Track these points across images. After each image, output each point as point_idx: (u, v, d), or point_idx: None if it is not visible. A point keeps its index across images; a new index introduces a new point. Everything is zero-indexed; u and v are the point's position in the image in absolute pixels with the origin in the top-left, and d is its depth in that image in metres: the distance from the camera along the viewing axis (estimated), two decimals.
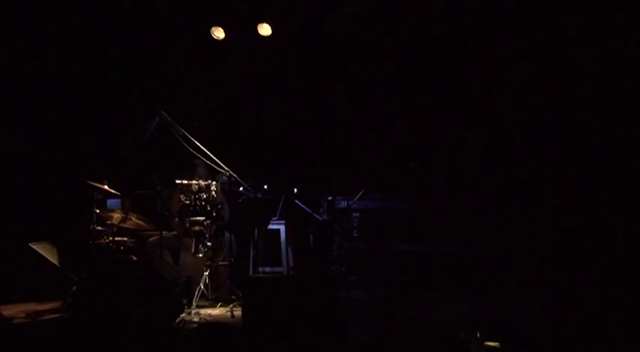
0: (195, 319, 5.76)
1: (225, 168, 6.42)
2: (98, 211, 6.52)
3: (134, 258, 6.50)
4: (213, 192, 6.36)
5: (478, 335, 4.70)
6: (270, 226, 7.48)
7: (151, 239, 6.76)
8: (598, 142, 6.79)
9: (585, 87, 6.96)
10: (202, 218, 6.33)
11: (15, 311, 6.06)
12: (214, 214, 6.34)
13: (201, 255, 6.33)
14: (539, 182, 7.01)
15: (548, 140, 7.14)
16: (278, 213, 7.70)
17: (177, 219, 6.87)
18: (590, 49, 6.88)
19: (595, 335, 5.12)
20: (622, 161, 6.61)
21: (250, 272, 6.96)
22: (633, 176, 6.52)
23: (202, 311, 6.07)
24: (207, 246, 6.32)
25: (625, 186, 6.54)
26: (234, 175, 6.46)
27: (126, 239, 6.74)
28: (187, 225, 6.46)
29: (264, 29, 7.96)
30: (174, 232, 6.89)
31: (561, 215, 6.70)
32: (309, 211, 7.62)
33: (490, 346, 4.62)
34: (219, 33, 7.99)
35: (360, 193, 6.97)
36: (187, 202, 6.36)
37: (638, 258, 6.21)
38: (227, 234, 6.70)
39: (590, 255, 6.46)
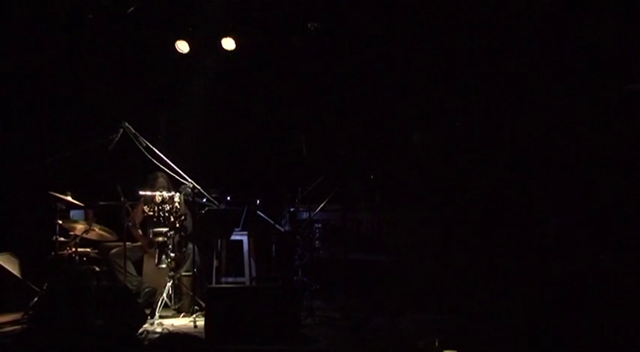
0: (158, 329, 5.79)
1: (189, 180, 6.49)
2: (61, 222, 6.48)
3: (97, 269, 6.51)
4: (177, 204, 6.40)
5: (437, 343, 4.79)
6: (233, 237, 7.53)
7: (113, 250, 6.78)
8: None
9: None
10: (166, 229, 6.36)
11: None
12: (177, 225, 6.38)
13: (164, 266, 6.36)
14: (495, 195, 7.21)
15: (503, 157, 7.35)
16: (241, 224, 7.77)
17: (140, 230, 6.91)
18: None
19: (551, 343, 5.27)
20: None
21: (213, 283, 7.01)
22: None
23: (165, 321, 6.09)
24: (171, 256, 6.36)
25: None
26: (198, 186, 6.53)
27: (89, 250, 6.71)
28: (150, 235, 6.49)
29: (228, 43, 8.06)
30: (138, 243, 6.92)
31: (514, 226, 6.89)
32: (272, 222, 7.71)
33: None
34: (183, 46, 8.07)
35: (322, 204, 7.08)
36: (151, 213, 6.39)
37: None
38: (190, 244, 6.75)
39: (542, 264, 6.64)
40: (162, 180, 6.81)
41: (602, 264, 6.22)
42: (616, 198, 6.39)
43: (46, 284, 5.93)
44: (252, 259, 7.89)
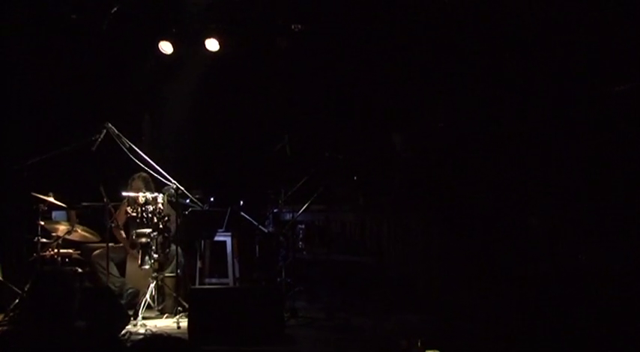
0: (141, 331, 5.78)
1: (172, 181, 6.48)
2: (43, 223, 6.42)
3: (79, 270, 6.48)
4: (160, 205, 6.39)
5: (419, 343, 4.82)
6: (217, 238, 7.53)
7: (96, 251, 6.75)
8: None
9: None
10: (149, 230, 6.34)
11: None
12: (161, 226, 6.36)
13: (147, 267, 6.34)
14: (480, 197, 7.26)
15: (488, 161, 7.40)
16: (224, 225, 7.75)
17: (123, 231, 6.88)
18: None
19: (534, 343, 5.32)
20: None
21: (197, 284, 7.00)
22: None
23: (148, 322, 6.08)
24: (154, 257, 6.34)
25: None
26: (181, 187, 6.51)
27: (71, 251, 6.67)
28: (134, 237, 6.45)
29: (212, 44, 8.05)
30: (121, 244, 6.89)
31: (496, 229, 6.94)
32: (255, 223, 7.70)
33: None
34: (166, 47, 8.05)
35: (305, 205, 7.08)
36: (134, 214, 6.37)
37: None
38: (174, 245, 6.73)
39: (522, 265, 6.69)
40: (138, 182, 6.74)
41: (583, 263, 6.30)
42: (599, 199, 6.46)
43: (27, 286, 5.89)
44: (235, 260, 7.88)
